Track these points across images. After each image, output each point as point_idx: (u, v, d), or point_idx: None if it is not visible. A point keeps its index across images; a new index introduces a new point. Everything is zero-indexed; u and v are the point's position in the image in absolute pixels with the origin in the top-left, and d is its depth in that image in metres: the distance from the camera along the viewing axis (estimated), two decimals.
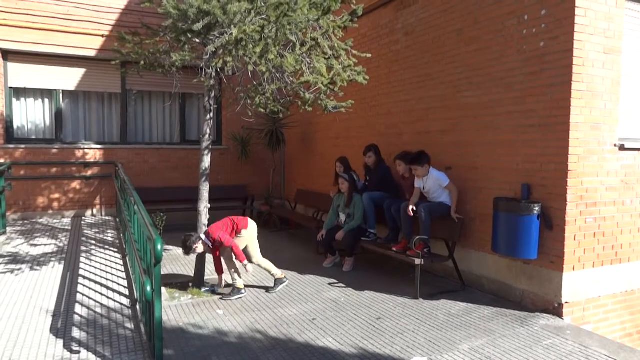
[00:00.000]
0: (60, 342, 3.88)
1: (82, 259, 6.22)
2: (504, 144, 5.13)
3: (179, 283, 5.50)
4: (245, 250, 5.18)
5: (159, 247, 3.38)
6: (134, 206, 4.89)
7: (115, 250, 6.80)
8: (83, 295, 4.95)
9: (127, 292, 5.08)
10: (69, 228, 8.05)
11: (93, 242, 7.19)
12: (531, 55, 4.80)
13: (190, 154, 9.59)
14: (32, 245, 6.86)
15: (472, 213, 5.53)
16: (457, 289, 5.47)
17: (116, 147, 9.24)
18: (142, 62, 5.27)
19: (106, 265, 6.01)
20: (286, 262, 6.45)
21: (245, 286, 5.30)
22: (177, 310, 4.72)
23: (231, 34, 4.39)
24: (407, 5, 6.57)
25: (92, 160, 9.02)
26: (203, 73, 4.90)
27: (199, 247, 5.03)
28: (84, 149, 8.99)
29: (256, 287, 5.48)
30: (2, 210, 7.32)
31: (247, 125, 9.20)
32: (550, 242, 4.65)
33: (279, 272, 5.40)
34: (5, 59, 8.40)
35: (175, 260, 6.63)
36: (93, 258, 6.31)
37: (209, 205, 5.43)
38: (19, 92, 8.73)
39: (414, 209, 5.49)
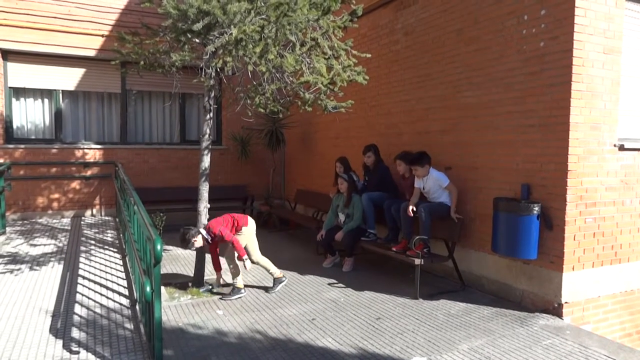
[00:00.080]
0: (60, 342, 3.88)
1: (81, 259, 6.22)
2: (504, 144, 5.13)
3: (179, 283, 5.50)
4: (244, 248, 5.18)
5: (159, 247, 3.38)
6: (134, 206, 4.89)
7: (115, 250, 6.80)
8: (82, 295, 4.95)
9: (126, 292, 5.08)
10: (69, 228, 8.04)
11: (93, 242, 7.19)
12: (531, 55, 4.80)
13: (190, 154, 9.58)
14: (31, 245, 6.86)
15: (471, 213, 5.53)
16: (457, 289, 5.47)
17: (116, 147, 9.24)
18: (142, 62, 5.27)
19: (106, 266, 6.01)
20: (286, 262, 6.45)
21: (245, 286, 5.30)
22: (176, 310, 4.72)
23: (231, 34, 4.39)
24: (406, 5, 6.57)
25: (91, 160, 9.02)
26: (203, 73, 4.90)
27: (198, 242, 5.02)
28: (84, 149, 8.99)
29: (256, 287, 5.48)
30: (2, 210, 7.33)
31: (246, 125, 9.20)
32: (550, 242, 4.65)
33: (277, 271, 5.40)
34: (5, 58, 8.40)
35: (175, 260, 6.63)
36: (92, 258, 6.31)
37: (208, 205, 5.43)
38: (19, 92, 8.72)
39: (414, 209, 5.49)
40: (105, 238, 7.47)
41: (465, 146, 5.64)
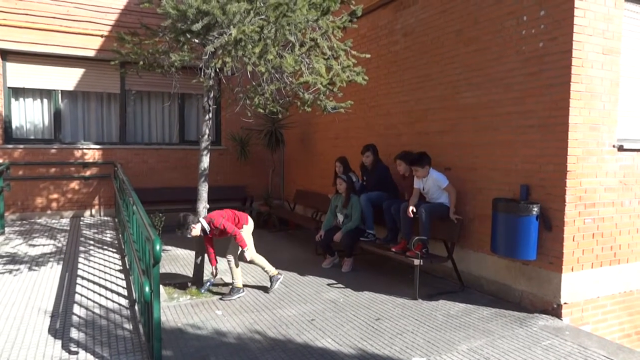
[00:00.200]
0: (59, 342, 3.87)
1: (80, 260, 6.21)
2: (503, 144, 5.13)
3: (178, 283, 5.49)
4: (238, 246, 5.18)
5: (158, 247, 3.37)
6: (133, 206, 4.89)
7: (114, 250, 6.79)
8: (81, 295, 4.94)
9: (125, 293, 5.07)
10: (68, 228, 8.03)
11: (92, 242, 7.18)
12: (530, 55, 4.80)
13: (189, 154, 9.57)
14: (30, 245, 6.85)
15: (471, 214, 5.53)
16: (456, 289, 5.47)
17: (115, 147, 9.23)
18: (141, 63, 5.27)
19: (105, 266, 6.00)
20: (285, 263, 6.45)
21: (244, 285, 5.30)
22: (175, 310, 4.72)
23: (230, 34, 4.39)
24: (406, 5, 6.57)
25: (90, 160, 9.01)
26: (202, 73, 4.89)
27: (196, 230, 5.01)
28: (83, 149, 8.98)
29: (255, 287, 5.48)
30: (1, 211, 7.32)
31: (246, 126, 9.19)
32: (549, 242, 4.65)
33: (272, 269, 5.39)
34: (4, 58, 8.39)
35: (174, 261, 6.62)
36: (92, 258, 6.30)
37: (207, 206, 5.42)
38: (18, 92, 8.71)
39: (414, 210, 5.48)
40: (104, 238, 7.46)
41: (464, 147, 5.64)
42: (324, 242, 6.46)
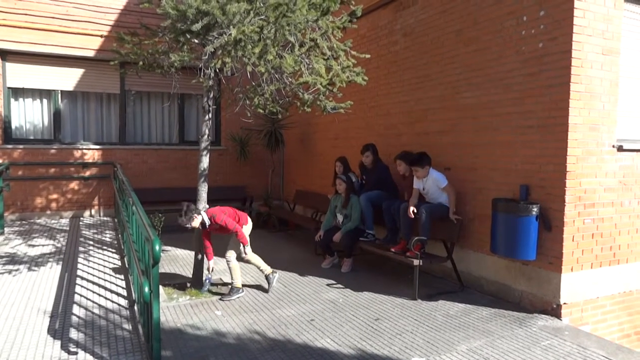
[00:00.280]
0: (58, 343, 3.87)
1: (80, 260, 6.21)
2: (503, 145, 5.13)
3: (177, 284, 5.49)
4: (238, 245, 5.18)
5: (157, 247, 3.37)
6: (132, 207, 4.89)
7: (114, 250, 6.79)
8: (81, 296, 4.94)
9: (125, 293, 5.07)
10: (67, 229, 8.03)
11: (91, 242, 7.18)
12: (530, 56, 4.81)
13: (189, 155, 9.57)
14: (30, 245, 6.85)
15: (470, 214, 5.53)
16: (456, 289, 5.47)
17: (114, 147, 9.23)
18: (141, 63, 5.26)
19: (104, 266, 6.00)
20: (285, 263, 6.45)
21: (243, 285, 5.30)
22: (175, 311, 4.71)
23: (230, 34, 4.38)
24: (406, 6, 6.57)
25: (90, 160, 9.00)
26: (202, 73, 4.89)
27: (195, 222, 5.02)
28: (83, 149, 8.97)
29: (254, 288, 5.47)
30: (0, 211, 7.31)
31: (245, 126, 9.19)
32: (549, 243, 4.65)
33: (268, 268, 5.38)
34: (3, 59, 8.39)
35: (174, 261, 6.62)
36: (91, 259, 6.30)
37: (207, 207, 5.42)
38: (18, 92, 8.71)
39: (415, 210, 5.48)
40: (103, 238, 7.46)
41: (464, 147, 5.64)
42: (324, 242, 6.46)
